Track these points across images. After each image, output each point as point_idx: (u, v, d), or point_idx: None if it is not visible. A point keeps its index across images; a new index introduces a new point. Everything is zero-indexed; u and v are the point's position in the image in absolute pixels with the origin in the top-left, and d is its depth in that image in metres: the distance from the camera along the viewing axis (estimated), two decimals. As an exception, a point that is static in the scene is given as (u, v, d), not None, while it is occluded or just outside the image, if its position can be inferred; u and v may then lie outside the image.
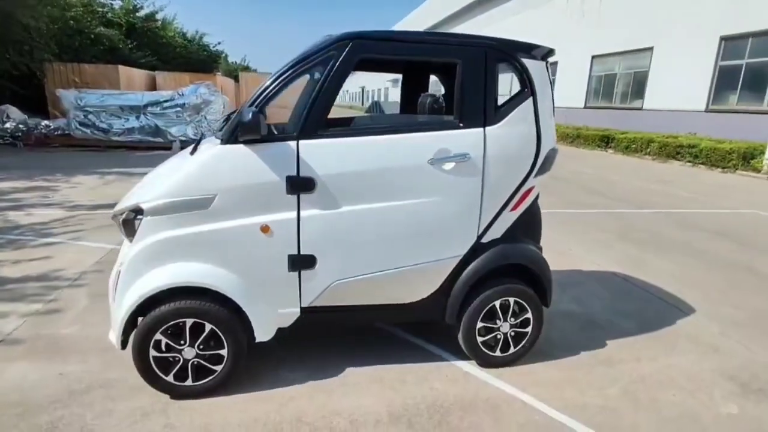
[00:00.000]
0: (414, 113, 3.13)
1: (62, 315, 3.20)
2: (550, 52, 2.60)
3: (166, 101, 11.99)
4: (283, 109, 2.56)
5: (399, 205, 2.40)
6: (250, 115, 2.11)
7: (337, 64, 2.26)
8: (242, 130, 2.16)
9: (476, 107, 2.41)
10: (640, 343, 3.10)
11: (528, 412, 2.37)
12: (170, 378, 2.33)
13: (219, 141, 2.29)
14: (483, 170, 2.44)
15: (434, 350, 2.91)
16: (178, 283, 2.23)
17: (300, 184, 2.28)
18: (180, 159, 2.54)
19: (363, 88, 71.94)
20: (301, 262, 2.38)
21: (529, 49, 2.50)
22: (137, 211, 2.27)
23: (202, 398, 2.38)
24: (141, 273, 2.26)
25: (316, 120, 2.28)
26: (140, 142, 12.03)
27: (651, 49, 16.98)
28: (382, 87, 57.51)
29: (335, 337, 3.02)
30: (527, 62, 2.47)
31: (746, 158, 11.68)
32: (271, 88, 2.27)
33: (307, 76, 2.39)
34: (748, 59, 13.68)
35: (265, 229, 2.31)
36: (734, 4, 13.56)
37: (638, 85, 17.87)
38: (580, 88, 20.91)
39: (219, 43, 32.63)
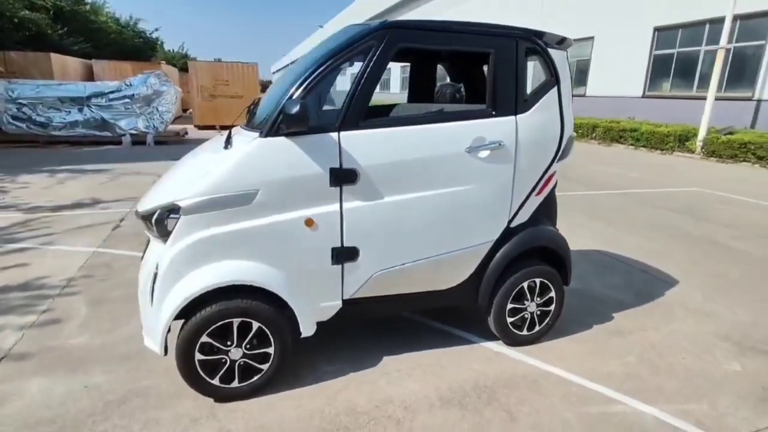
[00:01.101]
0: (426, 102, 3.17)
1: (64, 325, 2.98)
2: (567, 41, 2.73)
3: (112, 92, 11.18)
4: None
5: (437, 194, 2.44)
6: (298, 107, 2.06)
7: (377, 53, 2.24)
8: (289, 122, 2.10)
9: (508, 96, 2.49)
10: (640, 314, 3.36)
11: (564, 384, 2.52)
12: (216, 381, 2.26)
13: (257, 134, 2.21)
14: (515, 157, 2.53)
15: (460, 333, 3.00)
16: (226, 282, 2.15)
17: (343, 176, 2.26)
18: (210, 153, 2.42)
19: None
20: (344, 255, 2.36)
21: (553, 39, 2.61)
22: (172, 210, 2.16)
23: (247, 399, 2.33)
24: (182, 274, 2.16)
25: (357, 110, 2.26)
26: (85, 136, 11.17)
27: (592, 38, 17.96)
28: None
29: (363, 327, 3.03)
30: (552, 51, 2.58)
31: (681, 140, 12.73)
32: (311, 79, 2.21)
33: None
34: (679, 48, 14.84)
35: (309, 222, 2.27)
36: (668, -3, 14.58)
37: (581, 73, 18.86)
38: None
39: (156, 30, 30.58)
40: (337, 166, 2.25)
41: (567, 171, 9.42)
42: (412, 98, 3.49)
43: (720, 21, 12.49)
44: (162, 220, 2.19)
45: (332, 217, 2.30)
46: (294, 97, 2.17)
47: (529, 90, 2.58)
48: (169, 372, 2.52)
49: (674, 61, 15.03)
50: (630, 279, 4.00)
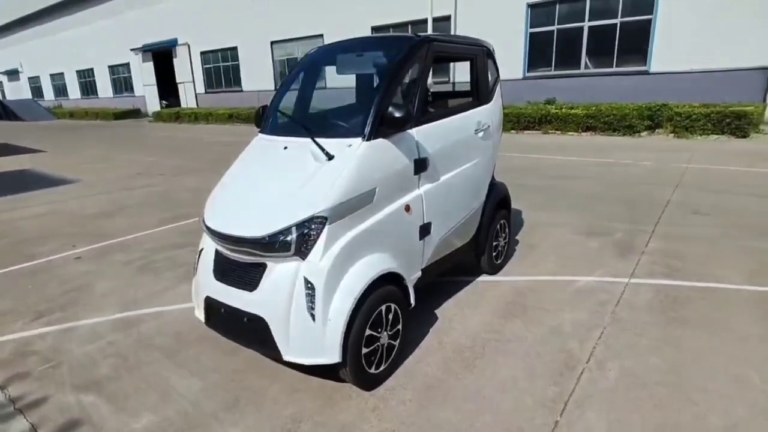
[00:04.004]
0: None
1: (92, 425, 2.32)
2: (491, 49, 3.76)
3: None
4: None
5: (464, 168, 3.15)
6: (404, 111, 2.41)
7: (426, 60, 2.76)
8: (396, 123, 2.43)
9: (485, 89, 3.37)
10: (530, 233, 4.88)
11: (547, 283, 3.70)
12: (372, 369, 2.44)
13: (358, 139, 2.42)
14: (493, 135, 3.46)
15: (458, 279, 3.80)
16: (376, 274, 2.35)
17: (421, 164, 2.72)
18: (313, 163, 2.40)
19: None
20: (425, 230, 2.83)
21: (493, 49, 3.59)
22: (313, 222, 2.20)
23: (385, 377, 2.58)
24: (338, 281, 2.26)
25: (421, 108, 2.73)
26: None
27: (322, 35, 20.05)
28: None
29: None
30: (495, 57, 3.57)
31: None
32: (393, 84, 2.55)
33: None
34: (393, 44, 18.32)
35: (407, 208, 2.66)
36: (381, 2, 17.64)
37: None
38: (267, 71, 22.45)
39: None
40: (417, 156, 2.69)
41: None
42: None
43: (421, 22, 16.24)
44: (302, 236, 2.19)
45: (418, 200, 2.74)
46: (388, 102, 2.47)
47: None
48: (296, 393, 2.49)
49: (392, 55, 18.46)
50: (497, 216, 5.55)
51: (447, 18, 16.36)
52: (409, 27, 17.46)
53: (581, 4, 13.74)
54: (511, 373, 2.59)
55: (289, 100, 3.15)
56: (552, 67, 14.86)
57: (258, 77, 22.80)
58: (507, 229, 3.97)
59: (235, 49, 23.66)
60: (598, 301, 3.37)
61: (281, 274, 2.26)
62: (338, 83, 3.37)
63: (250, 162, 2.75)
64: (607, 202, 5.90)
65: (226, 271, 2.46)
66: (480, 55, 3.34)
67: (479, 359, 2.73)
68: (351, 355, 2.28)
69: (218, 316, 2.51)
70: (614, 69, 13.73)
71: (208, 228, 2.44)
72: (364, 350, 2.36)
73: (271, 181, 2.49)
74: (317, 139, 2.50)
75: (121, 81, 31.53)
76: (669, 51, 12.49)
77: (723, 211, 5.26)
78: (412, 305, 2.75)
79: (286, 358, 2.27)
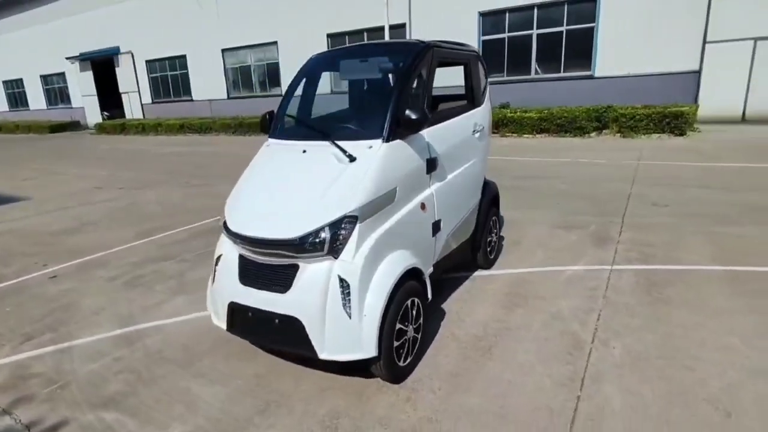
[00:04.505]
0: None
1: (128, 433, 2.24)
2: (479, 56, 3.95)
3: None
4: None
5: (465, 167, 3.31)
6: (421, 113, 2.52)
7: (432, 65, 2.89)
8: (413, 125, 2.54)
9: (479, 93, 3.55)
10: (513, 228, 5.11)
11: (538, 273, 3.92)
12: (401, 362, 2.52)
13: (378, 140, 2.51)
14: (486, 135, 3.64)
15: (457, 275, 3.94)
16: (403, 270, 2.44)
17: (432, 164, 2.85)
18: (336, 165, 2.45)
19: None
20: (437, 227, 2.95)
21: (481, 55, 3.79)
22: (344, 222, 2.26)
23: (410, 370, 2.67)
24: (370, 278, 2.32)
25: (430, 110, 2.86)
26: None
27: (276, 43, 19.83)
28: None
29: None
30: (484, 61, 3.76)
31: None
32: (407, 88, 2.66)
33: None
34: (349, 52, 18.45)
35: (423, 206, 2.77)
36: (336, 10, 17.75)
37: (273, 75, 20.55)
38: (219, 80, 21.89)
39: None
40: (429, 156, 2.81)
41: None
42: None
43: (377, 30, 16.48)
44: (335, 236, 2.25)
45: (430, 198, 2.86)
46: (403, 105, 2.57)
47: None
48: (325, 392, 2.53)
49: (348, 62, 18.57)
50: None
51: (402, 26, 16.72)
52: (365, 35, 17.67)
53: (530, 13, 14.50)
54: (526, 357, 2.75)
55: (293, 105, 3.19)
56: (504, 72, 15.52)
57: (209, 86, 22.18)
58: (498, 225, 4.17)
59: (183, 57, 22.88)
60: (588, 287, 3.62)
61: (314, 274, 2.29)
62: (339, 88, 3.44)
63: (267, 166, 2.76)
64: (574, 198, 6.28)
65: (254, 274, 2.45)
66: (473, 60, 3.52)
67: (494, 347, 2.87)
68: (384, 349, 2.35)
69: (245, 320, 2.50)
70: (562, 74, 14.56)
71: (232, 233, 2.43)
72: (396, 343, 2.43)
73: (295, 183, 2.51)
74: (336, 142, 2.57)
75: (56, 91, 29.59)
76: (611, 56, 13.44)
77: (678, 202, 5.76)
78: (430, 299, 2.86)
79: (322, 356, 2.30)
